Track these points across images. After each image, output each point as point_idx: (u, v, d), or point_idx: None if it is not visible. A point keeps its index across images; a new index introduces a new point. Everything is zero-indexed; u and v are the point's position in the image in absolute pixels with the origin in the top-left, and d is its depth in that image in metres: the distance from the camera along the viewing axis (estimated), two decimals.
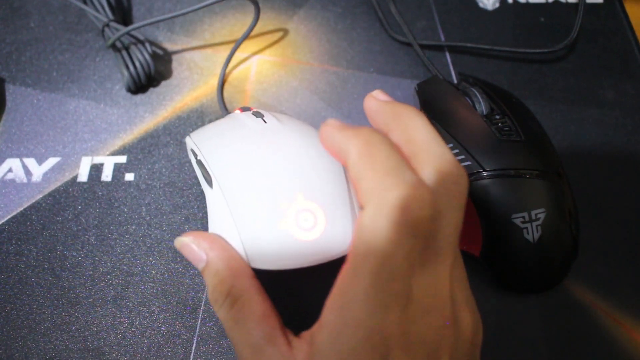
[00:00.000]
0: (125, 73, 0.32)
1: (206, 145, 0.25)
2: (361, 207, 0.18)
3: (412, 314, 0.17)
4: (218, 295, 0.20)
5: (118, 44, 0.32)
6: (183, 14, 0.31)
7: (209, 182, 0.23)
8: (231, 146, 0.23)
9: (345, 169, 0.23)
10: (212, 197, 0.23)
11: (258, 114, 0.25)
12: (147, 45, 0.32)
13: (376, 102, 0.21)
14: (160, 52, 0.35)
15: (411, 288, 0.17)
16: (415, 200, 0.17)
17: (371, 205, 0.17)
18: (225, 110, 0.32)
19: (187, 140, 0.27)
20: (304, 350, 0.19)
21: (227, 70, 0.34)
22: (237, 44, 0.33)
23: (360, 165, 0.18)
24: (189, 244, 0.21)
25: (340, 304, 0.17)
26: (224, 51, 0.35)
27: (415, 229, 0.17)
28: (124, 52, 0.32)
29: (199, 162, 0.24)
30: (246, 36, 0.33)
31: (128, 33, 0.32)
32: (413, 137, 0.19)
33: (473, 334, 0.19)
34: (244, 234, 0.21)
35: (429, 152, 0.18)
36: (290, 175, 0.21)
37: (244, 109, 0.27)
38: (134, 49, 0.32)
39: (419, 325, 0.17)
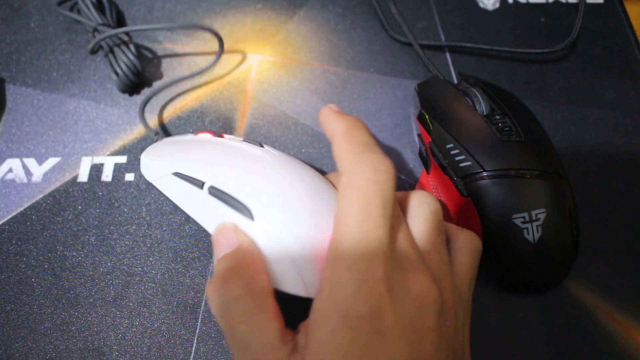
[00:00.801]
0: (114, 77, 0.32)
1: (214, 172, 0.23)
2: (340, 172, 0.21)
3: (394, 265, 0.19)
4: (232, 280, 0.20)
5: (106, 48, 0.32)
6: (148, 30, 0.33)
7: (244, 213, 0.22)
8: (254, 175, 0.23)
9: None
10: (254, 228, 0.22)
11: (254, 142, 0.25)
12: (131, 45, 0.32)
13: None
14: (160, 52, 0.35)
15: (390, 241, 0.19)
16: (381, 162, 0.20)
17: (347, 167, 0.20)
18: (150, 129, 0.31)
19: (151, 171, 0.26)
20: (302, 337, 0.19)
21: (227, 71, 0.34)
22: (185, 77, 0.33)
23: (342, 140, 0.22)
24: (230, 230, 0.22)
25: (334, 257, 0.19)
26: (224, 51, 0.35)
27: (385, 185, 0.20)
28: (111, 56, 0.32)
29: (212, 189, 0.23)
30: (196, 73, 0.33)
31: (107, 38, 0.32)
32: None
33: (458, 316, 0.20)
34: (299, 266, 0.21)
35: None
36: (329, 205, 0.21)
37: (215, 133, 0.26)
38: (117, 52, 0.32)
39: (401, 277, 0.19)
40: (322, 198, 0.22)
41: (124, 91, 0.33)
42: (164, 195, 0.25)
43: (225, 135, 0.27)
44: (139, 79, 0.33)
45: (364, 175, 0.20)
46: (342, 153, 0.21)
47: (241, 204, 0.22)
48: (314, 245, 0.21)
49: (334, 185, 0.24)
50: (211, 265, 0.27)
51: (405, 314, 0.18)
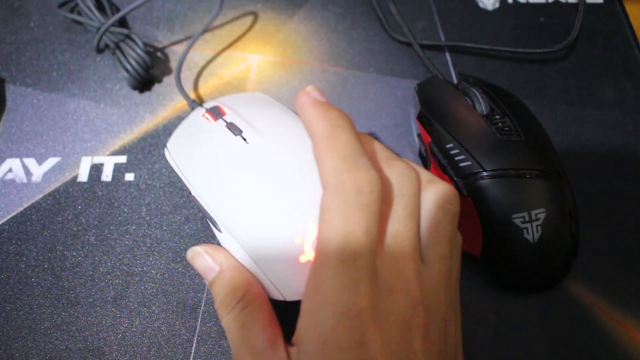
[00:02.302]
0: (125, 74, 0.32)
1: (196, 178, 0.24)
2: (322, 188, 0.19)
3: (379, 290, 0.18)
4: (230, 300, 0.21)
5: (112, 45, 0.32)
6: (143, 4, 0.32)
7: (215, 225, 0.23)
8: (225, 182, 0.22)
9: None
10: (224, 239, 0.23)
11: (234, 129, 0.24)
12: (137, 39, 0.32)
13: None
14: (160, 52, 0.35)
15: (375, 265, 0.18)
16: (367, 182, 0.18)
17: (329, 188, 0.19)
18: (189, 98, 0.30)
19: (168, 158, 0.27)
20: (294, 351, 0.20)
21: (227, 71, 0.34)
22: (202, 29, 0.33)
23: (323, 147, 0.20)
24: (203, 254, 0.22)
25: (314, 287, 0.18)
26: (224, 51, 0.35)
27: (369, 208, 0.18)
28: (119, 53, 0.32)
29: (195, 199, 0.24)
30: (209, 22, 0.33)
31: (109, 31, 0.32)
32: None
33: (450, 327, 0.20)
34: (269, 274, 0.21)
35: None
36: (295, 204, 0.20)
37: (212, 111, 0.26)
38: (125, 47, 0.32)
39: (386, 301, 0.18)
40: (294, 186, 0.21)
41: (134, 87, 0.33)
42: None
43: (227, 112, 0.25)
44: (149, 75, 0.33)
45: (346, 198, 0.18)
46: (322, 167, 0.19)
47: (210, 216, 0.23)
48: (281, 251, 0.21)
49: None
50: None
51: (391, 339, 0.18)
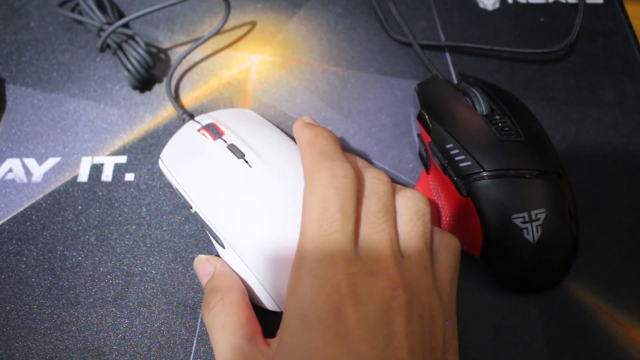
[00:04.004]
0: (126, 74, 0.32)
1: (199, 195, 0.25)
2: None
3: (357, 268, 0.19)
4: (210, 300, 0.23)
5: (113, 45, 0.32)
6: (159, 9, 0.31)
7: (217, 241, 0.25)
8: (231, 203, 0.24)
9: None
10: (227, 255, 0.25)
11: (236, 151, 0.25)
12: (139, 39, 0.32)
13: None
14: (160, 52, 0.35)
15: (353, 246, 0.20)
16: (340, 168, 0.21)
17: (307, 177, 0.22)
18: (180, 109, 0.31)
19: (163, 169, 0.28)
20: (274, 341, 0.21)
21: (227, 71, 0.34)
22: (203, 39, 0.33)
23: (306, 150, 0.23)
24: (204, 260, 0.25)
25: (296, 265, 0.20)
26: (224, 51, 0.35)
27: (342, 190, 0.20)
28: (120, 53, 0.32)
29: (198, 215, 0.25)
30: (213, 33, 0.33)
31: (114, 32, 0.32)
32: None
33: (437, 320, 0.20)
34: (270, 288, 0.23)
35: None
36: (297, 226, 0.22)
37: (209, 129, 0.27)
38: (127, 47, 0.32)
39: (366, 281, 0.19)
40: (295, 207, 0.23)
41: (135, 87, 0.33)
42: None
43: (225, 131, 0.27)
44: (150, 74, 0.33)
45: (321, 182, 0.21)
46: (305, 162, 0.23)
47: (214, 233, 0.25)
48: (281, 262, 0.22)
49: None
50: None
51: (369, 317, 0.18)
